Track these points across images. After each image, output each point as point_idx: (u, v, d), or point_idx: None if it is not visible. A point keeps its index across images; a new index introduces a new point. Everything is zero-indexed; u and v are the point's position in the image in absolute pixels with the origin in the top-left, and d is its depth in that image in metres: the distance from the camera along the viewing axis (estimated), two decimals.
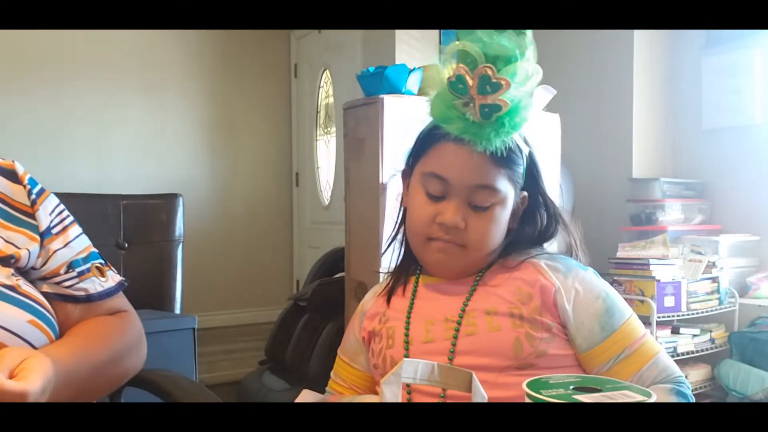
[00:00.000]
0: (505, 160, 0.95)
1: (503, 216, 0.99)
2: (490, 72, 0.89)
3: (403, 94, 2.46)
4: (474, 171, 0.95)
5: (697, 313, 2.66)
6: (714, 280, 2.70)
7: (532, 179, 1.03)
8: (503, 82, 0.89)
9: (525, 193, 1.03)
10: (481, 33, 0.91)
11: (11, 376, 0.70)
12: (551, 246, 1.09)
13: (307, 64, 4.35)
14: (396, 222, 1.11)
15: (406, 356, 0.97)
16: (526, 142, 1.01)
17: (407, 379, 0.77)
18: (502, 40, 0.90)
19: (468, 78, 0.90)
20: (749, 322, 2.71)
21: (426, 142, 1.01)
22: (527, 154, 1.00)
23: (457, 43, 0.94)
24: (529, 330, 0.93)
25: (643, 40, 3.04)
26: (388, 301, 1.06)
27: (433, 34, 3.35)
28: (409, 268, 1.08)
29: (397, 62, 3.07)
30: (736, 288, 2.77)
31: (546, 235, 1.05)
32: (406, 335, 0.99)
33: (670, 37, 3.08)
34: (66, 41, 3.65)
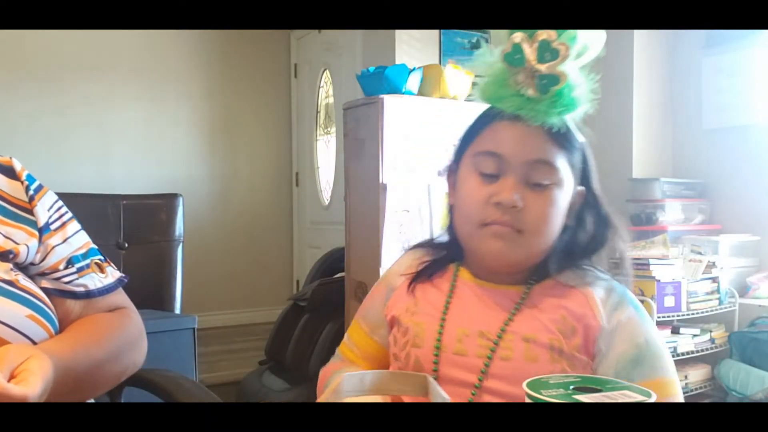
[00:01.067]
0: (563, 139, 0.89)
1: (562, 200, 0.90)
2: (548, 36, 0.84)
3: (403, 94, 2.46)
4: (531, 145, 0.88)
5: (697, 313, 2.66)
6: (714, 280, 2.70)
7: (585, 175, 0.95)
8: (562, 48, 0.83)
9: (582, 188, 0.94)
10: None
11: (12, 376, 0.70)
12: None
13: (307, 64, 4.35)
14: (447, 221, 1.02)
15: (435, 364, 0.90)
16: (580, 131, 0.94)
17: (351, 393, 0.70)
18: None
19: (526, 46, 0.84)
20: (749, 322, 2.71)
21: (476, 127, 0.94)
22: (582, 143, 0.94)
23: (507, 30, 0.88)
24: (566, 367, 0.86)
25: (643, 40, 3.04)
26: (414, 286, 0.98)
27: (433, 34, 3.35)
28: (450, 258, 0.99)
29: (397, 62, 3.07)
30: (736, 288, 2.77)
31: (597, 243, 0.95)
32: (438, 340, 0.91)
33: (670, 37, 3.08)
34: (66, 41, 3.65)
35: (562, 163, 0.90)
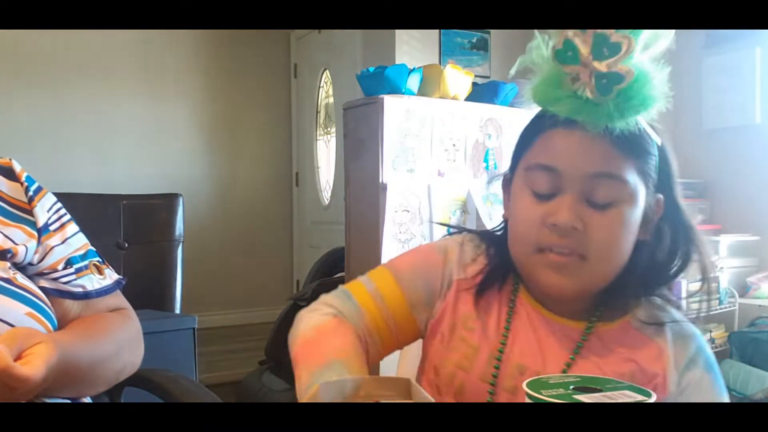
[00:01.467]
0: (632, 146, 0.75)
1: (633, 218, 0.76)
2: (607, 30, 0.70)
3: (403, 94, 2.46)
4: (591, 156, 0.74)
5: (697, 313, 2.66)
6: (714, 279, 2.70)
7: (664, 180, 0.80)
8: (625, 42, 0.70)
9: (660, 196, 0.80)
10: None
11: (20, 357, 0.71)
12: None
13: (306, 64, 4.34)
14: (494, 233, 0.90)
15: (491, 395, 0.79)
16: (655, 131, 0.78)
17: (331, 400, 0.63)
18: None
19: (579, 42, 0.71)
20: (749, 322, 2.71)
21: (529, 135, 0.80)
22: (659, 145, 0.78)
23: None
24: None
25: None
26: (475, 296, 0.85)
27: (433, 34, 3.35)
28: (508, 267, 0.85)
29: (397, 62, 3.06)
30: (736, 288, 2.77)
31: (679, 264, 0.82)
32: (495, 375, 0.80)
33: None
34: (66, 41, 3.65)
35: (631, 174, 0.75)
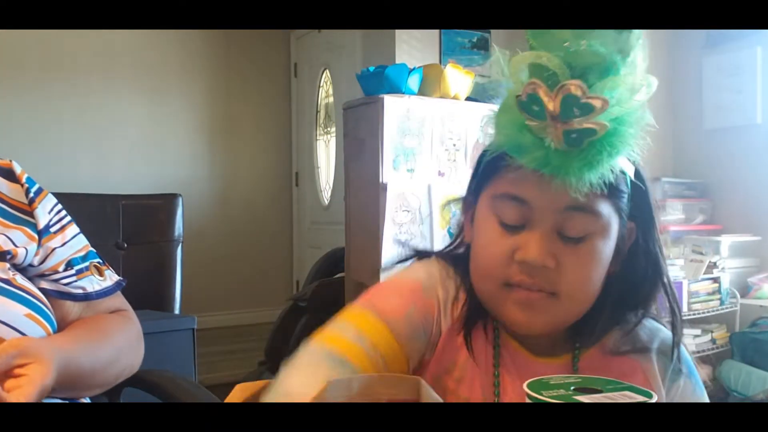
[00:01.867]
0: (605, 187, 0.68)
1: (606, 251, 0.72)
2: (578, 91, 0.63)
3: (403, 93, 2.46)
4: (563, 188, 0.67)
5: (699, 314, 2.66)
6: (715, 280, 2.70)
7: (640, 207, 0.74)
8: (598, 104, 0.63)
9: (632, 224, 0.75)
10: (563, 34, 0.65)
11: (12, 375, 0.70)
12: None
13: (306, 63, 4.34)
14: (452, 244, 0.83)
15: None
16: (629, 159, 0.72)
17: (338, 399, 0.59)
18: (595, 43, 0.64)
19: (546, 99, 0.64)
20: (750, 322, 2.71)
21: (493, 162, 0.74)
22: (633, 175, 0.72)
23: (527, 54, 0.67)
24: None
25: (644, 40, 3.03)
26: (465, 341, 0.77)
27: (434, 33, 3.35)
28: (479, 313, 0.78)
29: (397, 62, 3.06)
30: (737, 288, 2.77)
31: (650, 289, 0.77)
32: None
33: (671, 37, 3.08)
34: (65, 41, 3.64)
35: (604, 205, 0.70)
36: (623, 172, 0.70)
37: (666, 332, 0.79)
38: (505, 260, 0.71)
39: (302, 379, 0.69)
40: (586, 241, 0.70)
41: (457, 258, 0.81)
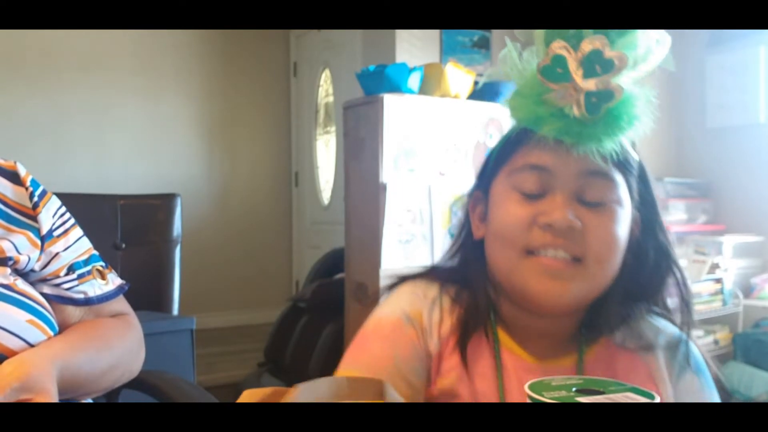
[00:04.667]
0: (617, 158, 0.72)
1: (624, 221, 0.73)
2: (600, 45, 0.67)
3: (403, 93, 2.45)
4: (582, 157, 0.70)
5: (701, 315, 2.65)
6: (718, 281, 2.69)
7: (645, 198, 0.77)
8: (617, 58, 0.66)
9: (637, 213, 0.76)
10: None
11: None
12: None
13: (306, 62, 4.33)
14: (452, 248, 0.83)
15: None
16: (633, 148, 0.76)
17: (308, 400, 0.59)
18: None
19: (570, 57, 0.67)
20: (754, 323, 2.70)
21: (508, 148, 0.76)
22: (638, 163, 0.76)
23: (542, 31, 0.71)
24: None
25: None
26: (461, 352, 0.76)
27: (434, 32, 3.34)
28: (480, 308, 0.77)
29: (397, 61, 3.05)
30: (740, 289, 2.75)
31: (659, 282, 0.78)
32: None
33: (674, 36, 3.05)
34: (64, 41, 3.63)
35: (620, 179, 0.73)
36: (631, 157, 0.74)
37: (673, 329, 0.78)
38: (526, 226, 0.71)
39: None
40: (605, 206, 0.71)
41: (450, 271, 0.81)
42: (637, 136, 0.72)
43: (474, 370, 0.75)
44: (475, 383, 0.75)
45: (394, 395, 0.59)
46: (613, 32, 0.68)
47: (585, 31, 0.68)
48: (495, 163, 0.78)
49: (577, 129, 0.69)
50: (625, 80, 0.69)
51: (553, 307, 0.73)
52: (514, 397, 0.75)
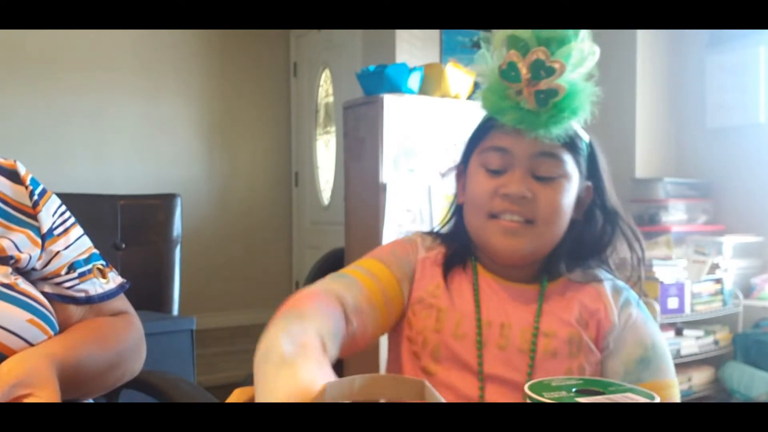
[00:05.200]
0: (565, 141, 0.90)
1: (570, 192, 0.91)
2: (543, 56, 0.84)
3: (403, 93, 2.45)
4: (535, 140, 0.88)
5: (701, 315, 2.65)
6: (718, 281, 2.68)
7: (594, 171, 0.95)
8: (557, 65, 0.84)
9: (589, 183, 0.95)
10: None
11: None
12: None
13: (306, 62, 4.33)
14: (448, 216, 1.03)
15: (480, 357, 0.90)
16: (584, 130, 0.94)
17: (338, 398, 0.62)
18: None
19: (520, 64, 0.85)
20: (754, 323, 2.70)
21: (481, 130, 0.96)
22: (588, 142, 0.94)
23: (504, 31, 0.89)
24: (583, 362, 0.88)
25: (647, 39, 3.02)
26: (444, 276, 0.95)
27: (434, 32, 3.34)
28: (462, 250, 0.98)
29: (397, 61, 3.05)
30: (740, 289, 2.75)
31: (605, 240, 0.96)
32: (479, 335, 0.91)
33: (674, 36, 3.07)
34: (64, 41, 3.63)
35: (568, 159, 0.91)
36: (580, 138, 0.92)
37: (616, 281, 0.96)
38: (490, 195, 0.90)
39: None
40: (554, 181, 0.90)
41: (438, 234, 1.03)
42: (581, 122, 0.91)
43: (452, 286, 0.95)
44: (453, 296, 0.94)
45: (436, 395, 0.62)
46: (554, 44, 0.86)
47: (530, 44, 0.86)
48: (470, 144, 0.97)
49: (530, 118, 0.87)
50: (573, 76, 0.86)
51: (510, 258, 0.93)
52: (487, 300, 0.93)
